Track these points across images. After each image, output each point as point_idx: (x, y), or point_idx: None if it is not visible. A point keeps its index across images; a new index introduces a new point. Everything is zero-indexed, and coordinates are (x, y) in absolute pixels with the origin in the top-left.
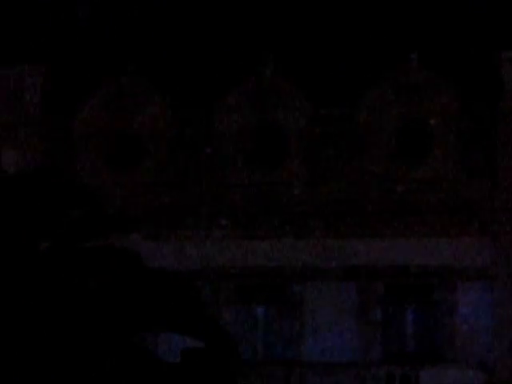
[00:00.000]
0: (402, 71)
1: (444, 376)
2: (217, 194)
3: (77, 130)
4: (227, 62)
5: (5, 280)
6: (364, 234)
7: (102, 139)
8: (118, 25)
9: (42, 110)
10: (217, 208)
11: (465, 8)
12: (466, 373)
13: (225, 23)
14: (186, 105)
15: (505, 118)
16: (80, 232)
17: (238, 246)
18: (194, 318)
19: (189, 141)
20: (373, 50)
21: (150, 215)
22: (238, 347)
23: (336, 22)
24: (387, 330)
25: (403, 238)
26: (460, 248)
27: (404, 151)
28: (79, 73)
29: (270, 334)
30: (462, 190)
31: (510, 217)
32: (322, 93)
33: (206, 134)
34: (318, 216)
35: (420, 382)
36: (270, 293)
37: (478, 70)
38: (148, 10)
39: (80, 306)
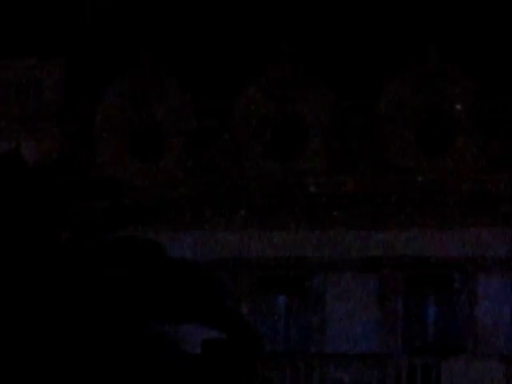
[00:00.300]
0: (422, 61)
1: (465, 366)
2: (237, 185)
3: (97, 121)
4: (247, 52)
5: (27, 269)
6: (385, 225)
7: (122, 130)
8: (139, 15)
9: (63, 101)
10: (237, 199)
11: None
12: (487, 363)
13: (245, 13)
14: (207, 95)
15: None
16: (102, 223)
17: (257, 236)
18: (216, 309)
19: (209, 132)
20: (393, 41)
21: (170, 206)
22: (259, 338)
23: (357, 13)
24: (408, 321)
25: (424, 229)
26: (481, 238)
27: (425, 142)
28: (100, 64)
29: (290, 324)
30: (483, 180)
31: None
32: (343, 83)
33: (226, 124)
34: (339, 207)
35: (441, 373)
36: (291, 284)
37: (498, 58)
38: (168, 0)
39: (101, 296)
